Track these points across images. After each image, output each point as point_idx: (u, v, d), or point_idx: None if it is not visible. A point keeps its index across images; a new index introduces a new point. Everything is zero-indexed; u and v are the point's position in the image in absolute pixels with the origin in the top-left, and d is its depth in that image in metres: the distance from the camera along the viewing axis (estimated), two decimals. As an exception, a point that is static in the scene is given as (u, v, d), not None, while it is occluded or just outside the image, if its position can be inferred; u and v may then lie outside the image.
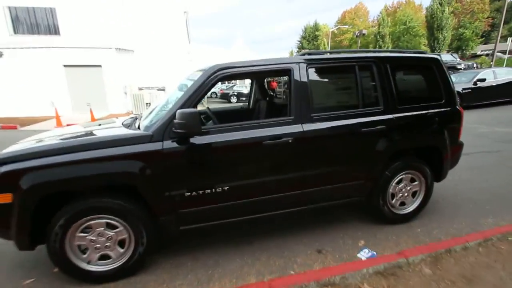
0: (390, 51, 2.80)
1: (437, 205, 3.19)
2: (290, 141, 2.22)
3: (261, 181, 2.27)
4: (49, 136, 2.44)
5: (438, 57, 2.84)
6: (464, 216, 2.95)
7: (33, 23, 14.09)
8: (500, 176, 3.96)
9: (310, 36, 44.15)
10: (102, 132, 2.36)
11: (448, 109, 2.79)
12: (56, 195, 1.94)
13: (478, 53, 32.61)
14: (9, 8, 13.61)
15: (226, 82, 27.78)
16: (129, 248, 2.09)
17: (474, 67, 17.57)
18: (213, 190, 2.14)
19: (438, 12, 29.65)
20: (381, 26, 34.62)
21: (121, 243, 2.08)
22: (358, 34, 27.25)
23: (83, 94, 13.10)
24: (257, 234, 2.70)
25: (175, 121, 1.95)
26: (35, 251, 2.09)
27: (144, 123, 2.30)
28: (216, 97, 22.70)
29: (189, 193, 2.10)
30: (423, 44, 35.27)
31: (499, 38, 16.98)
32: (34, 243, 1.98)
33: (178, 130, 1.95)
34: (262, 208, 2.36)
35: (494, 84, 10.06)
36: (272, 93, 4.00)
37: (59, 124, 9.21)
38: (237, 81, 25.02)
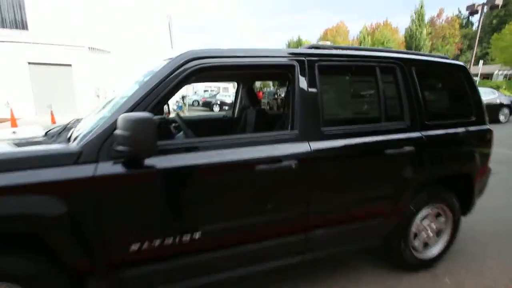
0: (415, 53, 2.22)
1: (458, 242, 2.61)
2: (293, 166, 1.54)
3: (248, 224, 1.57)
4: None
5: (465, 65, 2.33)
6: (492, 256, 2.43)
7: (-3, 15, 12.77)
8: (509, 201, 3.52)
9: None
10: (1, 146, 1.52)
11: (481, 127, 2.27)
12: None
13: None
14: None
15: (205, 87, 26.51)
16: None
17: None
18: (177, 239, 1.41)
19: (417, 33, 31.02)
20: (362, 44, 35.58)
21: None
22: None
23: (49, 95, 11.85)
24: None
25: (115, 132, 1.23)
26: None
27: (78, 132, 1.50)
28: (198, 105, 21.68)
29: (138, 245, 1.35)
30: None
31: (472, 60, 17.44)
32: None
33: (120, 147, 1.23)
34: (246, 262, 1.64)
35: None
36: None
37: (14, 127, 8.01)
38: (220, 88, 24.22)
